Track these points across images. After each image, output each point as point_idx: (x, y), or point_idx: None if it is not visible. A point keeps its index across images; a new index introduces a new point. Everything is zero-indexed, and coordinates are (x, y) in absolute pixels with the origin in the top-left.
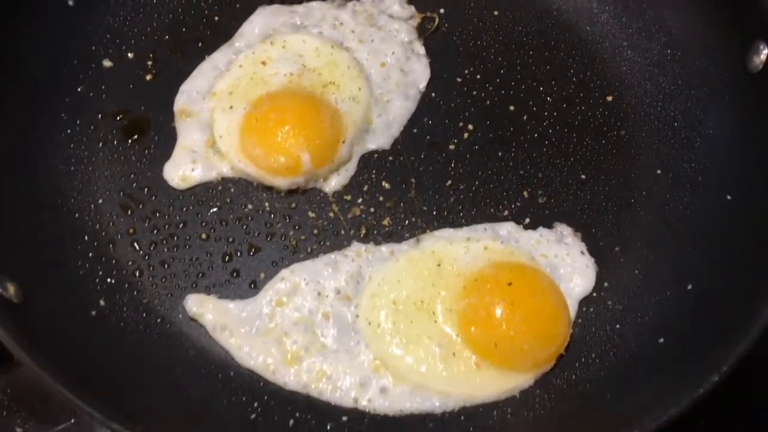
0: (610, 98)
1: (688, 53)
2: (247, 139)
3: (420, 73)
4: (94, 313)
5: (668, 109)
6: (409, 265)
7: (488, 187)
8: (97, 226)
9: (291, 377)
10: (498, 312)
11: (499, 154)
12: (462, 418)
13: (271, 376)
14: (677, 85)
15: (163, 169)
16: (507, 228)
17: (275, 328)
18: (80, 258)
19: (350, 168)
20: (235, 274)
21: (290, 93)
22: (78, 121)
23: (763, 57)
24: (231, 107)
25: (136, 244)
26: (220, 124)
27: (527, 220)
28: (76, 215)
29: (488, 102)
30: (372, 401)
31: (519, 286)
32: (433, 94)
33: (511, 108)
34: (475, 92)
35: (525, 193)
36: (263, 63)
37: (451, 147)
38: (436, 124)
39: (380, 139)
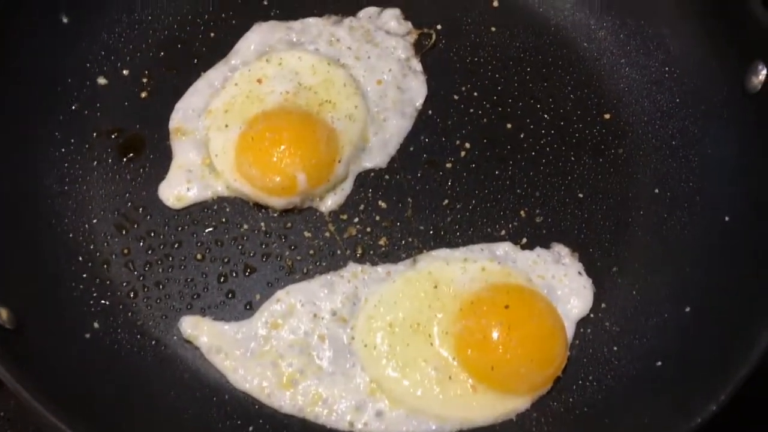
0: (607, 116)
1: (686, 72)
2: (242, 158)
3: (417, 90)
4: (88, 335)
5: (666, 127)
6: (405, 286)
7: (485, 206)
8: (92, 247)
9: (286, 400)
10: (495, 335)
11: (496, 172)
12: None
13: (267, 400)
14: (675, 104)
15: (158, 188)
16: (504, 248)
17: (270, 350)
18: (74, 279)
19: (346, 187)
20: (230, 295)
21: (286, 112)
22: (72, 140)
23: (761, 77)
24: (226, 126)
25: (130, 265)
26: (215, 143)
27: (524, 240)
28: (70, 235)
29: (485, 120)
30: (368, 425)
31: (516, 309)
32: (430, 112)
33: (509, 126)
34: (472, 110)
35: (522, 212)
36: (259, 81)
37: (448, 165)
38: (432, 142)
39: (377, 157)
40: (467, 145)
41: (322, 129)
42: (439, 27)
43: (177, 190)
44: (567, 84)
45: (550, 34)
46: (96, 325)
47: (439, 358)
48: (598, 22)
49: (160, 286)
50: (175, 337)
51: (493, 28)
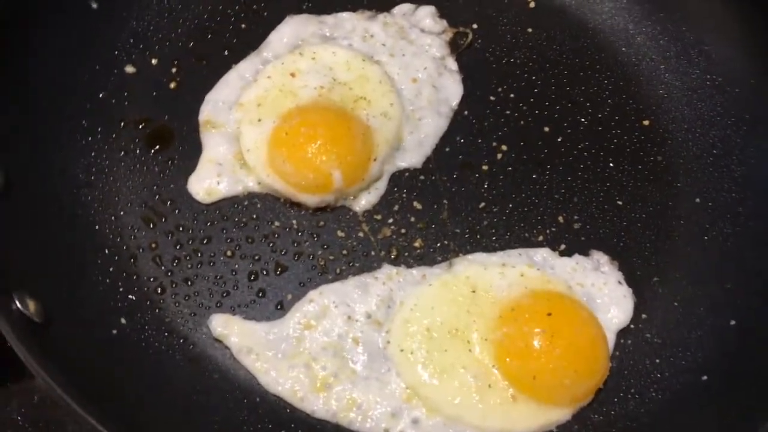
0: (646, 122)
1: (728, 79)
2: (275, 153)
3: (452, 90)
4: (115, 331)
5: (707, 135)
6: (442, 290)
7: (522, 210)
8: (118, 240)
9: (319, 405)
10: (537, 343)
11: (534, 176)
12: None
13: (299, 404)
14: (716, 112)
15: (188, 181)
16: (542, 254)
17: (303, 352)
18: (101, 273)
19: (380, 186)
20: (260, 294)
21: (321, 107)
22: (99, 129)
23: None
24: (259, 120)
25: (158, 260)
26: (247, 137)
27: (563, 246)
28: (96, 227)
29: (522, 122)
30: None
31: (559, 317)
32: (466, 112)
33: (546, 129)
34: (508, 111)
35: (560, 218)
36: (292, 75)
37: (485, 167)
38: (468, 143)
39: (412, 157)
40: (504, 147)
41: (357, 126)
42: (475, 26)
43: (207, 184)
44: (605, 89)
45: (588, 37)
46: (123, 321)
47: (478, 365)
48: (637, 27)
49: (189, 283)
50: (204, 336)
51: (530, 30)
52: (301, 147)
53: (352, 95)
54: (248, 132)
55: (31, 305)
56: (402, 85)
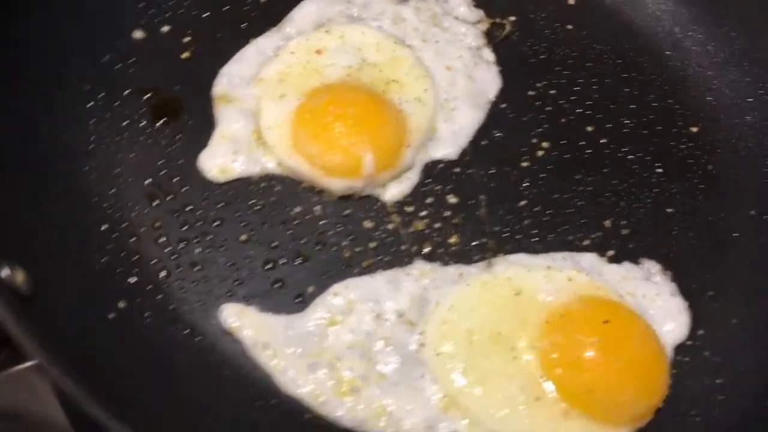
0: (695, 129)
1: None
2: (300, 132)
3: (489, 81)
4: (112, 315)
5: (761, 145)
6: (482, 290)
7: (566, 212)
8: (118, 215)
9: (344, 411)
10: (593, 354)
11: (577, 177)
12: None
13: (321, 408)
14: None
15: (198, 158)
16: (589, 259)
17: (327, 350)
18: (98, 250)
19: (412, 177)
20: (278, 284)
21: (351, 87)
22: (100, 95)
23: None
24: (282, 96)
25: (162, 240)
26: (268, 114)
27: (610, 253)
28: (95, 199)
29: (563, 120)
30: None
31: (617, 325)
32: (504, 106)
33: (589, 129)
34: (549, 108)
35: (607, 222)
36: (318, 52)
37: (524, 164)
38: (507, 137)
39: (446, 148)
40: (545, 144)
41: (390, 109)
42: (512, 19)
43: (221, 161)
44: (650, 92)
45: (631, 38)
46: (121, 305)
47: (525, 375)
48: (684, 31)
49: (197, 267)
50: (213, 327)
51: (570, 26)
52: (330, 126)
53: (384, 77)
54: (269, 108)
55: (20, 276)
56: (435, 72)
